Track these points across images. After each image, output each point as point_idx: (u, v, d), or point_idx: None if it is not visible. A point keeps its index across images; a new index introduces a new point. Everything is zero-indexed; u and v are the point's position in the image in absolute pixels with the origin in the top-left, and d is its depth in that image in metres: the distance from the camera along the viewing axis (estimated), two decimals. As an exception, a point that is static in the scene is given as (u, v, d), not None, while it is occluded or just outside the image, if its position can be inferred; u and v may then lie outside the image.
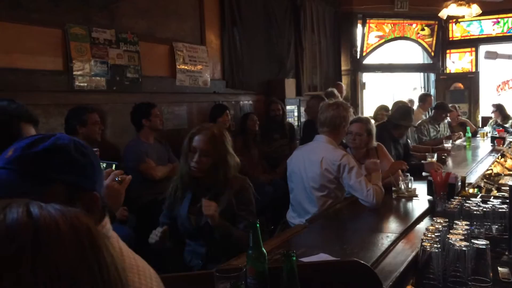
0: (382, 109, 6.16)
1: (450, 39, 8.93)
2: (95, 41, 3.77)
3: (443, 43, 8.85)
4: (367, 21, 8.39)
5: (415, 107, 6.91)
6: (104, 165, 1.63)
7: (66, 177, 0.97)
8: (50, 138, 0.99)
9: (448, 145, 5.14)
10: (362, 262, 1.54)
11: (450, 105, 6.71)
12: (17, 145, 0.99)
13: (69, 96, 3.56)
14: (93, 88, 3.77)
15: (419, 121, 6.09)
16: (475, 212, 2.03)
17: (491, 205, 2.09)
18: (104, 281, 0.53)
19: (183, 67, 4.72)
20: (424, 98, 6.94)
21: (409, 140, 4.92)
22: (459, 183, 2.92)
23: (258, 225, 1.51)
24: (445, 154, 4.69)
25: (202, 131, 2.29)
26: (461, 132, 6.34)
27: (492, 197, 2.44)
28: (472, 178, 3.57)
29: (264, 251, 1.49)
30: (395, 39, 8.61)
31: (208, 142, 2.25)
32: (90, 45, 3.73)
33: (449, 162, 4.53)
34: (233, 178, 2.31)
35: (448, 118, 6.51)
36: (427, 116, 6.62)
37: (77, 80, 3.62)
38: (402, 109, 4.37)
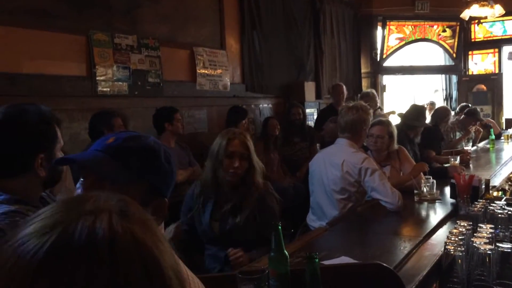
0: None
1: (472, 40, 8.76)
2: (117, 47, 3.84)
3: (465, 44, 8.69)
4: (387, 23, 8.31)
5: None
6: None
7: (151, 178, 1.02)
8: (148, 139, 1.05)
9: (468, 147, 5.05)
10: (385, 265, 1.54)
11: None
12: (119, 136, 1.04)
13: (92, 101, 3.63)
14: (116, 93, 3.84)
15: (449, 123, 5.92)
16: (499, 215, 2.00)
17: (516, 208, 2.06)
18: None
19: (203, 71, 4.76)
20: (471, 113, 5.91)
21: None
22: (483, 186, 2.88)
23: (280, 227, 1.52)
24: (468, 157, 4.62)
25: (237, 136, 2.28)
26: (471, 131, 5.97)
27: (517, 200, 2.40)
28: (496, 181, 3.51)
29: (286, 253, 1.50)
30: (416, 41, 8.49)
31: (246, 146, 2.27)
32: (113, 51, 3.81)
33: (473, 164, 4.47)
34: (256, 184, 2.31)
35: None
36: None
37: (100, 85, 3.70)
38: (415, 110, 4.38)
